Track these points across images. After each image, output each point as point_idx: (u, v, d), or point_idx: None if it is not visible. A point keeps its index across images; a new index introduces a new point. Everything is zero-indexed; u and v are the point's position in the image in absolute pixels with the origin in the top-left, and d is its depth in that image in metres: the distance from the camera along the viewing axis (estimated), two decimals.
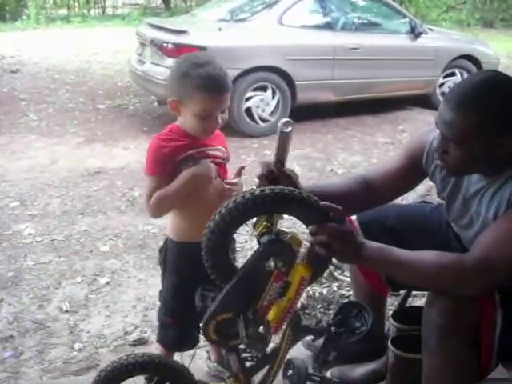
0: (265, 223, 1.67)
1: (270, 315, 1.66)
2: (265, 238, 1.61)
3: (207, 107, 1.93)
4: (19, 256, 3.66)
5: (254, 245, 3.43)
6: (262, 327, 1.66)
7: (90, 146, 5.99)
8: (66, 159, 5.54)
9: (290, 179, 1.76)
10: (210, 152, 2.05)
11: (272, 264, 1.59)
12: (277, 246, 1.61)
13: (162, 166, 1.99)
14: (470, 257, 1.61)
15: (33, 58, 10.71)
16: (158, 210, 2.04)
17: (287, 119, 1.71)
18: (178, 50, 6.10)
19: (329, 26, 7.01)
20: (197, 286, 1.91)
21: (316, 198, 1.58)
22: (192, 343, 2.24)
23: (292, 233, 1.69)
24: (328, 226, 1.54)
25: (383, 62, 7.13)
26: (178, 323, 2.17)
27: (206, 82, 1.89)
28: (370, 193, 2.02)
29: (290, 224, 3.67)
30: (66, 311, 3.07)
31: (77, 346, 2.80)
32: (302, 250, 1.69)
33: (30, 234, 3.97)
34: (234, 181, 2.09)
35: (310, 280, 1.70)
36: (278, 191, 1.54)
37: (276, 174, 1.76)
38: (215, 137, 2.10)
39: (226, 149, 2.14)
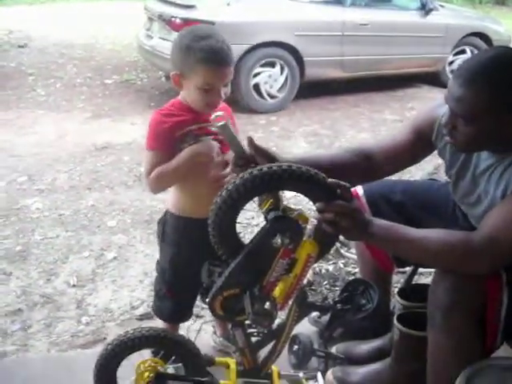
0: (271, 200, 1.67)
1: (277, 291, 1.66)
2: (271, 215, 1.61)
3: (210, 80, 1.91)
4: (27, 230, 3.68)
5: (261, 221, 3.44)
6: (268, 303, 1.66)
7: (97, 122, 5.98)
8: (74, 134, 5.54)
9: (269, 156, 1.71)
10: (213, 128, 2.01)
11: (279, 241, 1.59)
12: (283, 223, 1.61)
13: (161, 141, 1.99)
14: (477, 235, 1.61)
15: (40, 33, 10.64)
16: (157, 186, 2.04)
17: (216, 113, 1.69)
18: (186, 24, 6.04)
19: (338, 2, 6.92)
20: (194, 260, 1.96)
21: (324, 175, 1.58)
22: (187, 316, 2.31)
23: (299, 209, 1.69)
24: (335, 203, 1.54)
25: (393, 39, 7.06)
26: (175, 296, 2.20)
27: (208, 55, 1.87)
28: (368, 165, 1.99)
29: (296, 201, 3.68)
30: (74, 285, 3.09)
31: (84, 319, 2.83)
32: (309, 226, 1.68)
33: (37, 208, 3.99)
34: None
35: (317, 257, 1.70)
36: (286, 168, 1.54)
37: (249, 158, 1.70)
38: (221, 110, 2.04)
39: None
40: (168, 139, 1.98)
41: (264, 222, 1.66)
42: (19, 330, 2.76)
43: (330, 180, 1.55)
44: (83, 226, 3.75)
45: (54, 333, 2.74)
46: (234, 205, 1.57)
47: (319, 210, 1.57)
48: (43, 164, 4.79)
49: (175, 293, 2.19)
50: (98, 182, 4.42)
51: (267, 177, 1.53)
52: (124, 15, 11.70)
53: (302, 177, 1.55)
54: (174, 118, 1.99)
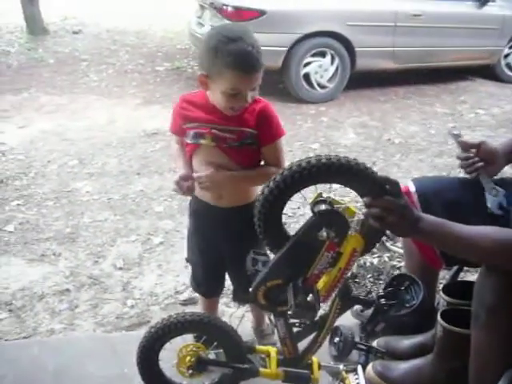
0: (319, 192, 1.66)
1: (320, 284, 1.66)
2: (318, 208, 1.61)
3: (236, 86, 1.85)
4: (77, 213, 3.77)
5: (307, 212, 3.43)
6: (310, 296, 1.67)
7: (147, 108, 6.06)
8: (125, 120, 5.64)
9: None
10: (219, 132, 1.98)
11: (324, 234, 1.59)
12: (330, 216, 1.60)
13: (172, 122, 2.11)
14: None
15: (94, 19, 10.81)
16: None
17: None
18: (238, 12, 6.08)
19: None
20: (198, 237, 2.21)
21: (373, 170, 1.56)
22: (203, 289, 2.40)
23: (346, 203, 1.68)
24: (383, 199, 1.51)
25: (446, 30, 6.90)
26: (191, 265, 2.37)
27: (236, 59, 1.79)
28: None
29: (344, 192, 3.66)
30: (120, 268, 3.16)
31: (129, 302, 2.89)
32: (356, 220, 1.67)
33: (87, 192, 4.08)
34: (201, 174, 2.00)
35: (363, 251, 1.70)
36: (335, 161, 1.53)
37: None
38: (241, 115, 1.97)
39: (244, 130, 1.98)
40: (177, 124, 2.07)
41: (310, 214, 1.66)
42: (66, 310, 2.84)
43: (379, 175, 1.54)
44: (131, 210, 3.82)
45: (99, 313, 2.81)
46: (280, 196, 1.58)
47: (367, 205, 1.55)
48: (94, 148, 4.89)
49: (190, 262, 2.36)
50: (146, 168, 4.48)
51: (315, 169, 1.52)
52: (178, 2, 11.75)
53: (351, 170, 1.54)
54: (189, 111, 2.00)
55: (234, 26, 1.90)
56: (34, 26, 9.56)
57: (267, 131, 1.98)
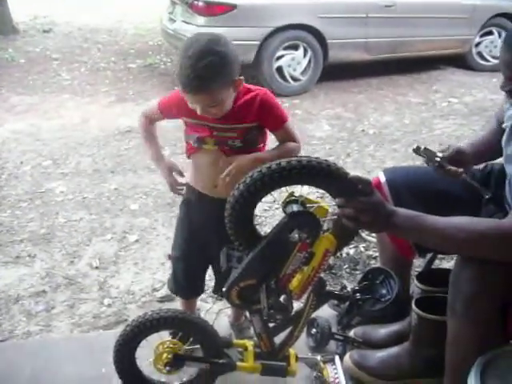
0: (290, 192, 1.66)
1: (294, 283, 1.66)
2: (289, 209, 1.60)
3: (187, 100, 1.86)
4: (51, 213, 3.73)
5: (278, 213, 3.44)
6: (283, 296, 1.67)
7: (121, 105, 6.02)
8: (98, 118, 5.59)
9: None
10: (220, 135, 1.97)
11: (296, 236, 1.58)
12: (301, 218, 1.60)
13: (166, 105, 2.10)
14: (509, 222, 1.57)
15: (65, 18, 10.70)
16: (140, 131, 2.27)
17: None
18: (208, 7, 6.06)
19: None
20: (184, 226, 2.22)
21: (345, 170, 1.56)
22: (185, 290, 2.38)
23: (319, 202, 1.68)
24: (356, 199, 1.51)
25: (418, 20, 6.94)
26: (173, 261, 2.33)
27: (179, 77, 1.79)
28: None
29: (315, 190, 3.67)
30: (96, 267, 3.14)
31: (106, 301, 2.87)
32: (329, 219, 1.67)
33: (61, 191, 4.04)
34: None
35: (335, 251, 1.69)
36: (306, 163, 1.52)
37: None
38: (238, 111, 1.95)
39: (245, 126, 1.97)
40: (171, 108, 2.06)
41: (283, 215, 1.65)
42: (43, 311, 2.82)
43: (351, 175, 1.54)
44: (106, 209, 3.79)
45: (76, 314, 2.79)
46: (251, 198, 1.58)
47: (339, 206, 1.54)
48: (67, 148, 4.84)
49: (172, 259, 2.33)
50: (121, 166, 4.46)
51: (286, 172, 1.52)
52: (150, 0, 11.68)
53: (322, 172, 1.53)
54: (185, 109, 1.97)
55: (204, 36, 1.79)
56: (3, 25, 9.43)
57: (272, 120, 1.99)
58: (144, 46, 8.73)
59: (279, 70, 6.37)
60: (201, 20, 6.14)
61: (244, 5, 6.04)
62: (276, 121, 2.00)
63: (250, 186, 1.55)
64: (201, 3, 6.10)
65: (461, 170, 2.03)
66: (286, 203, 1.64)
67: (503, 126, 1.96)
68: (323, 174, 1.54)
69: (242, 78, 1.89)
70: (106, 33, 9.58)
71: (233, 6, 5.95)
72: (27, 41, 9.06)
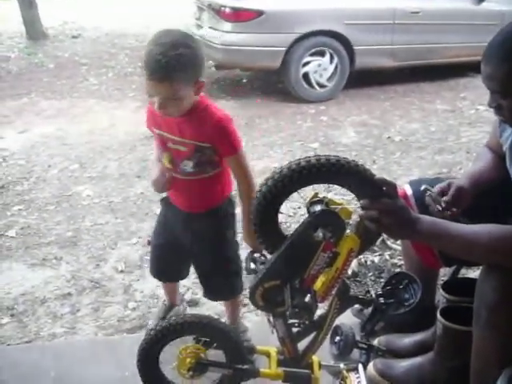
0: (315, 192, 1.66)
1: (318, 284, 1.66)
2: (314, 208, 1.60)
3: (147, 89, 1.86)
4: (78, 217, 3.77)
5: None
6: (308, 296, 1.67)
7: None
8: (125, 123, 5.65)
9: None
10: (171, 145, 2.03)
11: (320, 235, 1.59)
12: (326, 217, 1.60)
13: (147, 121, 2.14)
14: None
15: (93, 23, 10.85)
16: None
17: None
18: (236, 13, 6.09)
19: None
20: (163, 222, 2.31)
21: (372, 172, 1.56)
22: (159, 273, 2.49)
23: (342, 203, 1.68)
24: (380, 201, 1.51)
25: (445, 27, 6.90)
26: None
27: (144, 62, 1.80)
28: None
29: (343, 191, 3.66)
30: (122, 271, 3.16)
31: (131, 305, 2.89)
32: (352, 221, 1.67)
33: (88, 195, 4.09)
34: None
35: (359, 251, 1.69)
36: (335, 161, 1.53)
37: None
38: (195, 128, 1.96)
39: (197, 144, 1.97)
40: (148, 125, 2.13)
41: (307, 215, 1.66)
42: (68, 314, 2.85)
43: (377, 176, 1.54)
44: (132, 213, 3.82)
45: (101, 317, 2.81)
46: (277, 195, 1.58)
47: (363, 207, 1.54)
48: (94, 152, 4.90)
49: (152, 243, 2.46)
50: (147, 170, 4.47)
51: (314, 169, 1.52)
52: (175, 5, 11.77)
53: (350, 171, 1.54)
54: (157, 116, 2.00)
55: (173, 31, 1.80)
56: (34, 30, 9.60)
57: (225, 145, 1.97)
58: None
59: (305, 76, 6.36)
60: (228, 26, 6.17)
61: (271, 11, 6.06)
62: (229, 147, 1.98)
63: (277, 183, 1.55)
64: (228, 9, 6.13)
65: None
66: (311, 203, 1.64)
67: (503, 149, 1.93)
68: (351, 174, 1.54)
69: (203, 81, 1.93)
70: (134, 38, 9.68)
71: (260, 13, 5.98)
72: (56, 46, 9.21)
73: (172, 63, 1.75)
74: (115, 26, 10.55)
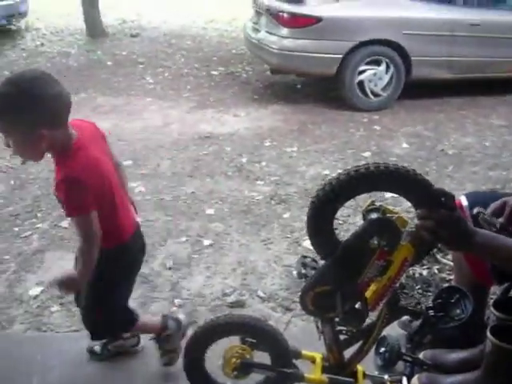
0: (372, 199, 1.67)
1: (369, 292, 1.66)
2: (371, 216, 1.61)
3: None
4: None
5: (358, 220, 3.44)
6: (359, 303, 1.67)
7: (201, 111, 6.13)
8: (179, 122, 5.73)
9: None
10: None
11: (375, 242, 1.59)
12: (382, 224, 1.60)
13: None
14: None
15: (151, 23, 11.02)
16: None
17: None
18: (294, 19, 6.11)
19: (450, 1, 6.72)
20: None
21: (430, 182, 1.56)
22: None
23: (398, 212, 1.68)
24: (438, 211, 1.49)
25: (504, 41, 6.74)
26: None
27: None
28: None
29: (396, 202, 3.64)
30: (170, 268, 3.21)
31: (177, 301, 2.93)
32: (408, 230, 1.67)
33: (140, 191, 4.16)
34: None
35: (413, 261, 1.69)
36: (394, 169, 1.53)
37: None
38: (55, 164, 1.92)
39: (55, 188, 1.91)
40: None
41: (362, 222, 1.66)
42: None
43: (435, 187, 1.53)
44: (182, 211, 3.87)
45: (148, 312, 2.85)
46: (334, 201, 1.59)
47: (420, 217, 1.53)
48: (148, 149, 4.98)
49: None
50: (199, 170, 4.54)
51: (374, 176, 1.53)
52: (234, 8, 11.85)
53: (408, 180, 1.54)
54: None
55: (28, 72, 1.97)
56: (94, 28, 9.82)
57: (62, 204, 1.91)
58: (227, 54, 8.86)
59: (360, 84, 6.32)
60: (285, 31, 6.19)
61: (330, 18, 6.06)
62: (65, 207, 1.90)
63: (335, 187, 1.56)
64: (286, 15, 6.15)
65: None
66: (367, 211, 1.64)
67: None
68: (409, 183, 1.54)
69: (44, 134, 1.78)
70: (191, 39, 9.79)
71: (318, 19, 5.98)
72: (115, 44, 9.38)
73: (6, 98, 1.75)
74: (173, 27, 10.68)
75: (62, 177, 1.83)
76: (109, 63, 8.14)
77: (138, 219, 2.34)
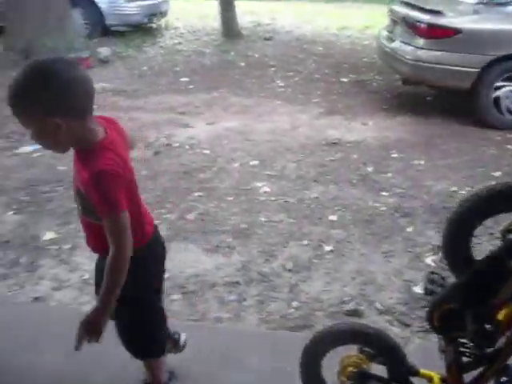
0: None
1: (501, 315, 1.60)
2: (511, 236, 1.55)
3: None
4: (253, 211, 3.93)
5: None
6: (489, 325, 1.61)
7: (329, 117, 6.13)
8: (306, 127, 5.76)
9: None
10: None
11: None
12: None
13: None
14: None
15: (285, 27, 11.17)
16: None
17: None
18: (432, 30, 5.95)
19: None
20: None
21: None
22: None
23: None
24: None
25: None
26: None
27: None
28: None
29: None
30: (289, 270, 3.24)
31: (294, 304, 2.96)
32: None
33: (265, 192, 4.23)
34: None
35: None
36: None
37: None
38: (81, 168, 1.76)
39: (80, 185, 1.79)
40: None
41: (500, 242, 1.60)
42: (235, 301, 2.99)
43: None
44: (305, 215, 3.89)
45: (265, 310, 2.91)
46: (472, 219, 1.55)
47: None
48: (275, 151, 5.05)
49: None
50: (323, 176, 4.54)
51: None
52: (367, 16, 11.77)
53: None
54: None
55: (45, 58, 1.75)
56: (229, 30, 10.11)
57: (96, 202, 1.73)
58: (358, 61, 8.79)
59: (495, 100, 6.07)
60: (421, 42, 6.05)
61: (469, 30, 5.86)
62: (99, 206, 1.73)
63: (472, 206, 1.52)
64: (424, 25, 6.01)
65: None
66: (507, 231, 1.58)
67: None
68: None
69: (59, 123, 1.66)
70: (323, 45, 9.81)
71: (457, 31, 5.80)
72: (249, 46, 9.60)
73: (21, 98, 1.67)
74: (306, 32, 10.77)
75: (95, 171, 1.67)
76: (241, 64, 8.35)
77: None
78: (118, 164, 1.71)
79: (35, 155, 4.90)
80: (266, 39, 10.14)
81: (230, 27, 10.14)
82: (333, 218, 3.85)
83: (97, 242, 1.92)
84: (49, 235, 3.63)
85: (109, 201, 1.70)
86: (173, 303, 2.96)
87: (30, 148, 4.99)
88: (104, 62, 8.36)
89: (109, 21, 9.98)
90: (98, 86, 7.17)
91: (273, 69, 8.12)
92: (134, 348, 2.16)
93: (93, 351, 1.92)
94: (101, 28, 9.96)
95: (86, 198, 1.75)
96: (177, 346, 2.34)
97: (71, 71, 1.68)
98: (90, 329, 1.80)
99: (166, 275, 3.14)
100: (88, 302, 2.97)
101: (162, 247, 2.16)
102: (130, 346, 2.15)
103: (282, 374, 2.37)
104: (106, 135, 1.78)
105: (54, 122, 1.65)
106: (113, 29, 10.12)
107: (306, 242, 3.53)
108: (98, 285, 1.93)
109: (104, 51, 8.55)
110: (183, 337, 2.36)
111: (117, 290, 1.77)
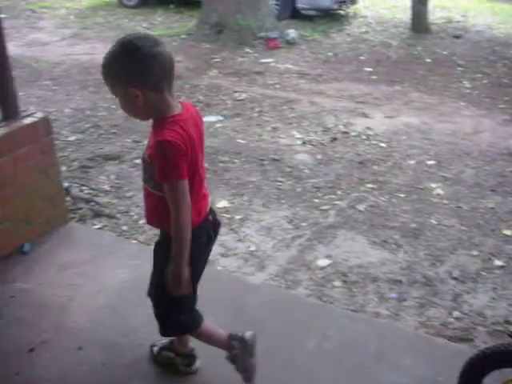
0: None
1: None
2: None
3: None
4: (425, 212, 3.84)
5: None
6: None
7: None
8: (489, 133, 5.49)
9: None
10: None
11: None
12: None
13: None
14: None
15: (477, 27, 10.64)
16: None
17: None
18: None
19: None
20: None
21: None
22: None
23: None
24: None
25: None
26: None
27: None
28: None
29: None
30: (455, 278, 3.15)
31: (456, 313, 2.87)
32: None
33: (438, 194, 4.12)
34: None
35: None
36: None
37: None
38: (151, 137, 1.91)
39: (148, 152, 1.91)
40: None
41: None
42: (395, 299, 2.96)
43: None
44: (478, 224, 3.74)
45: (425, 314, 2.86)
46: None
47: None
48: (453, 154, 4.88)
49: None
50: (502, 187, 4.32)
51: None
52: None
53: None
54: None
55: (135, 33, 1.93)
56: (419, 24, 9.83)
57: (157, 168, 1.86)
58: None
59: None
60: None
61: None
62: (159, 172, 1.85)
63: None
64: None
65: None
66: None
67: None
68: None
69: (138, 93, 1.81)
70: None
71: None
72: (436, 42, 9.28)
73: (111, 67, 1.84)
74: (499, 34, 10.17)
75: (159, 140, 1.82)
76: (427, 60, 8.11)
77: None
78: (181, 138, 1.83)
79: (217, 125, 5.13)
80: (455, 37, 9.74)
81: (419, 21, 9.85)
82: (507, 232, 3.67)
83: (151, 212, 2.07)
84: (222, 203, 3.81)
85: (169, 167, 1.83)
86: (333, 289, 3.01)
87: (213, 118, 5.24)
88: (290, 43, 8.52)
89: (299, 4, 10.12)
90: (282, 66, 7.39)
91: (460, 68, 7.80)
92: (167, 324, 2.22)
93: None
94: (290, 10, 10.14)
95: (150, 164, 1.90)
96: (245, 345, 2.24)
97: (152, 47, 1.81)
98: (176, 287, 1.97)
99: (329, 261, 3.23)
100: (251, 274, 3.10)
101: (209, 238, 2.17)
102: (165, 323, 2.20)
103: (432, 383, 2.31)
104: (181, 112, 1.91)
105: (134, 92, 1.82)
106: (302, 12, 10.24)
107: (475, 253, 3.40)
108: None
109: (291, 33, 8.70)
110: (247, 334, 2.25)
111: (184, 251, 1.92)
